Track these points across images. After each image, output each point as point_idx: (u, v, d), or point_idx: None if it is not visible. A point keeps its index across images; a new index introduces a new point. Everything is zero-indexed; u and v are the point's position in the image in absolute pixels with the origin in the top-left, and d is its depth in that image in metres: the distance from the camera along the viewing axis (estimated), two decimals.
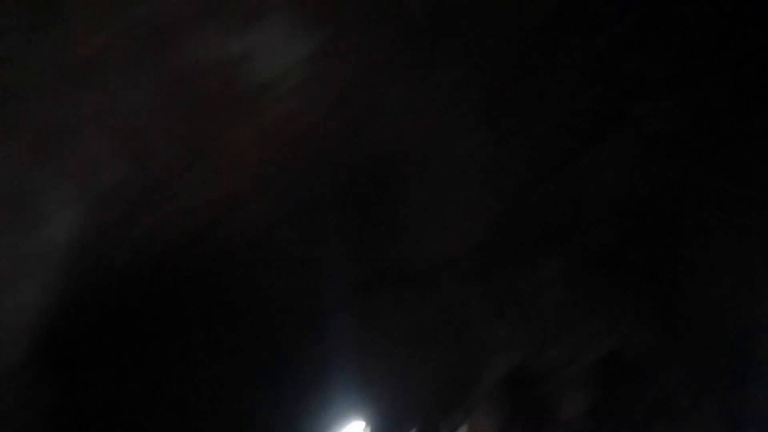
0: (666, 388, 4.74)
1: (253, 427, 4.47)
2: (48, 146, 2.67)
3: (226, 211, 3.77)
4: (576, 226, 4.62)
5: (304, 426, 4.69)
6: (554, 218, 4.63)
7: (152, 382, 4.45)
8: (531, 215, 4.67)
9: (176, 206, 3.83)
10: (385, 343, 4.69)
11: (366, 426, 5.96)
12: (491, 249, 4.95)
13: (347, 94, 3.27)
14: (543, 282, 4.92)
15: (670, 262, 4.27)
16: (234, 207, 3.79)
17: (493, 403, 5.65)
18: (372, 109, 3.43)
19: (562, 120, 4.37)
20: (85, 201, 3.01)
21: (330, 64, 3.16)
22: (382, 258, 4.34)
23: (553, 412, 5.57)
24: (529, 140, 4.41)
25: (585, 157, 4.46)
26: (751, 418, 4.14)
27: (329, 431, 5.18)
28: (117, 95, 2.69)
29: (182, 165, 3.58)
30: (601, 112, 4.41)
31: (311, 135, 3.31)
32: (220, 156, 3.55)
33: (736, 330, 4.26)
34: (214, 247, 3.89)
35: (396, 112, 3.53)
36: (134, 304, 4.04)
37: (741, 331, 4.22)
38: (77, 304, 3.55)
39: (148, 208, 3.74)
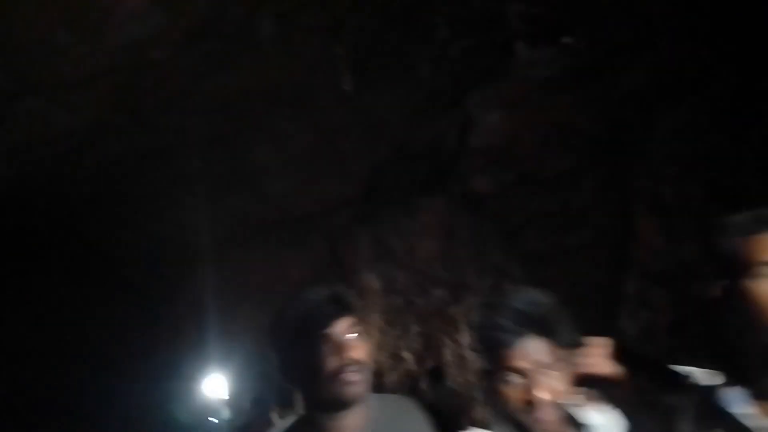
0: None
1: (118, 374, 4.40)
2: None
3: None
4: (454, 173, 4.68)
5: (167, 376, 4.64)
6: (434, 165, 4.66)
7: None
8: (412, 161, 4.68)
9: None
10: (260, 292, 4.64)
11: (225, 378, 5.93)
12: (375, 194, 4.94)
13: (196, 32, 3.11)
14: (425, 227, 4.99)
15: (537, 211, 4.42)
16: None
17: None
18: (238, 45, 3.28)
19: (443, 67, 4.35)
20: None
21: None
22: (256, 206, 4.26)
23: (436, 349, 5.70)
24: (410, 87, 4.37)
25: (464, 106, 4.47)
26: None
27: (191, 382, 5.13)
28: None
29: None
30: (483, 60, 4.42)
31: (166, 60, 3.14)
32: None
33: None
34: (69, 187, 3.72)
35: (268, 49, 3.40)
36: None
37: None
38: None
39: None
